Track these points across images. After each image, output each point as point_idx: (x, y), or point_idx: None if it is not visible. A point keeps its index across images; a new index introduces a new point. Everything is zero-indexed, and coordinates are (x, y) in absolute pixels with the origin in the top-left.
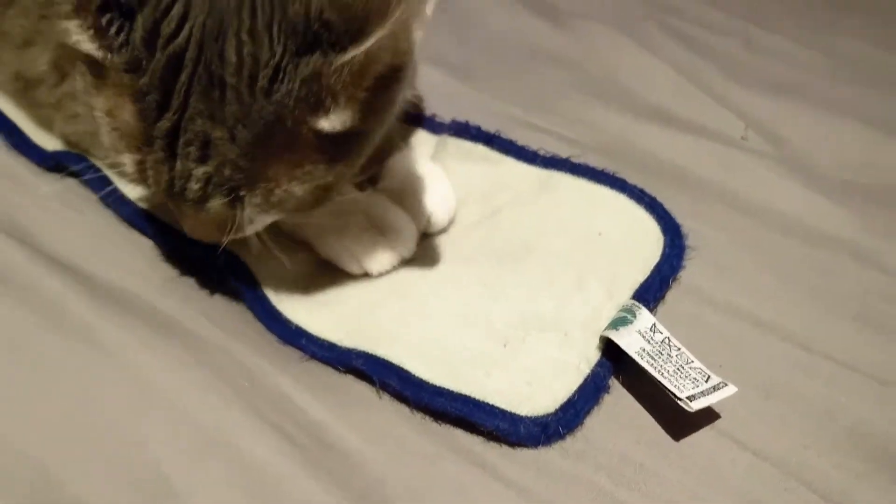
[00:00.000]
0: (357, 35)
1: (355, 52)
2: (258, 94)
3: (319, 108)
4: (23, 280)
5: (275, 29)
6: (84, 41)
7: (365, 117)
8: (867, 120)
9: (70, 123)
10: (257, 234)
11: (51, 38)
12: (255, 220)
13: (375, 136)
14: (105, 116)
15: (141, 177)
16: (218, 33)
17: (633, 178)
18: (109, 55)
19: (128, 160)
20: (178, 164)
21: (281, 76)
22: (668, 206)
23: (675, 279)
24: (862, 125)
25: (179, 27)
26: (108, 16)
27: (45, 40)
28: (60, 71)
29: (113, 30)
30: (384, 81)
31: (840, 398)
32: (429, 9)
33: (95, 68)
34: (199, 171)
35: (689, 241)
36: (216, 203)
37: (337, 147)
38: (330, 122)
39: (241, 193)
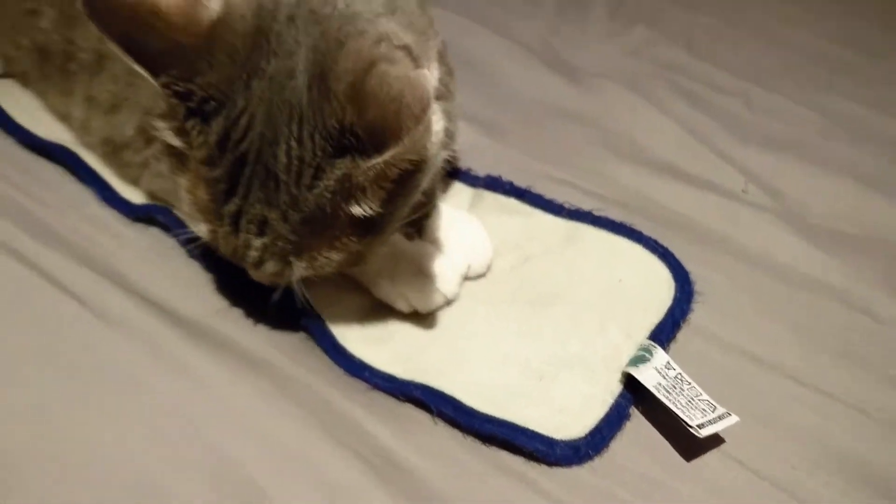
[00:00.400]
0: (378, 147)
1: (377, 160)
2: (303, 187)
3: (351, 198)
4: (123, 318)
5: (316, 138)
6: (171, 138)
7: (389, 203)
8: (857, 175)
9: (156, 181)
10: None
11: (137, 104)
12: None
13: (401, 214)
14: (187, 193)
15: (213, 242)
16: (273, 139)
17: (646, 229)
18: (190, 150)
19: (203, 229)
20: (241, 237)
21: (320, 174)
22: (677, 254)
23: (685, 321)
24: (852, 180)
25: (245, 134)
26: (191, 122)
27: (132, 106)
28: (146, 135)
29: (194, 133)
30: (405, 175)
31: (828, 426)
32: (433, 77)
33: (179, 156)
34: (258, 242)
35: (697, 287)
36: (270, 266)
37: (367, 225)
38: (360, 209)
39: (290, 259)
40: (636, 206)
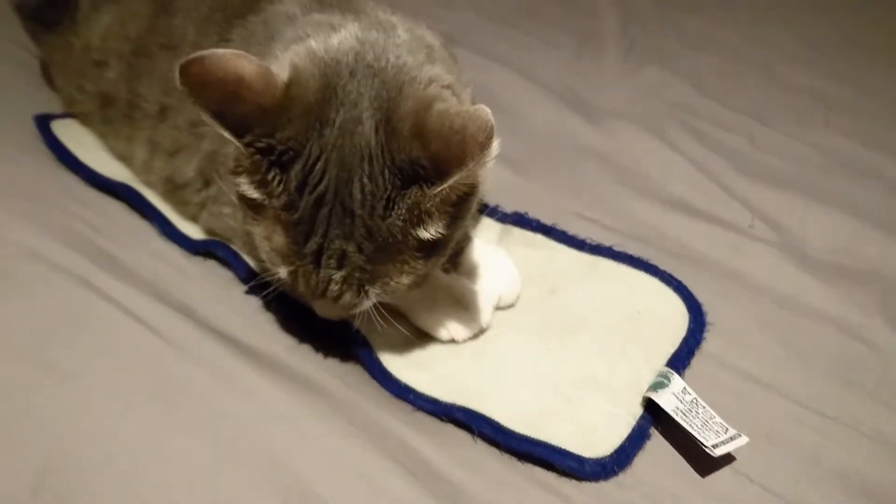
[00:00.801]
0: (443, 176)
1: (441, 186)
2: (377, 218)
3: (419, 224)
4: (193, 346)
5: (385, 173)
6: (251, 191)
7: (451, 225)
8: (852, 210)
9: (215, 220)
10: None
11: (198, 149)
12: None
13: (458, 235)
14: (264, 240)
15: (293, 283)
16: (347, 179)
17: (661, 262)
18: (269, 199)
19: (283, 271)
20: (322, 272)
21: (392, 205)
22: (690, 286)
23: (698, 349)
24: (848, 215)
25: (321, 178)
26: (272, 172)
27: (192, 150)
28: (205, 176)
29: (275, 182)
30: (463, 199)
31: (827, 445)
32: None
33: (254, 207)
34: (338, 275)
35: (708, 317)
36: (347, 297)
37: (432, 247)
38: (427, 233)
39: (366, 288)
40: (652, 241)
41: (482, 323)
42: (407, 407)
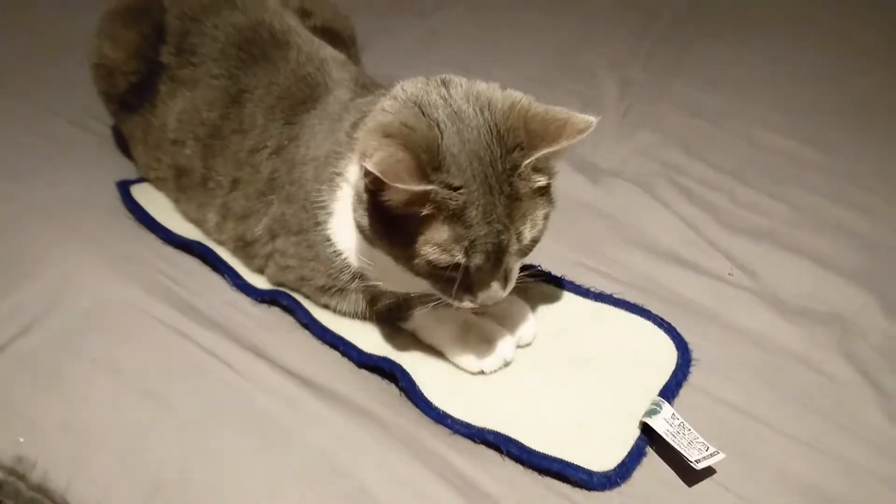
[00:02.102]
0: (548, 144)
1: (546, 150)
2: (511, 184)
3: (534, 174)
4: (267, 381)
5: (505, 150)
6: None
7: (550, 177)
8: (818, 259)
9: (281, 273)
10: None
11: (266, 212)
12: (511, 277)
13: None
14: (431, 246)
15: (475, 270)
16: (485, 162)
17: (653, 306)
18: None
19: (475, 258)
20: (502, 239)
21: (516, 174)
22: (678, 327)
23: (686, 382)
24: (813, 263)
25: (469, 172)
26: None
27: (261, 214)
28: (272, 234)
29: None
30: (554, 160)
31: (792, 461)
32: None
33: (411, 226)
34: (508, 237)
35: (694, 354)
36: (511, 261)
37: (543, 194)
38: (541, 180)
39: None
40: (646, 288)
41: (506, 358)
42: (446, 430)
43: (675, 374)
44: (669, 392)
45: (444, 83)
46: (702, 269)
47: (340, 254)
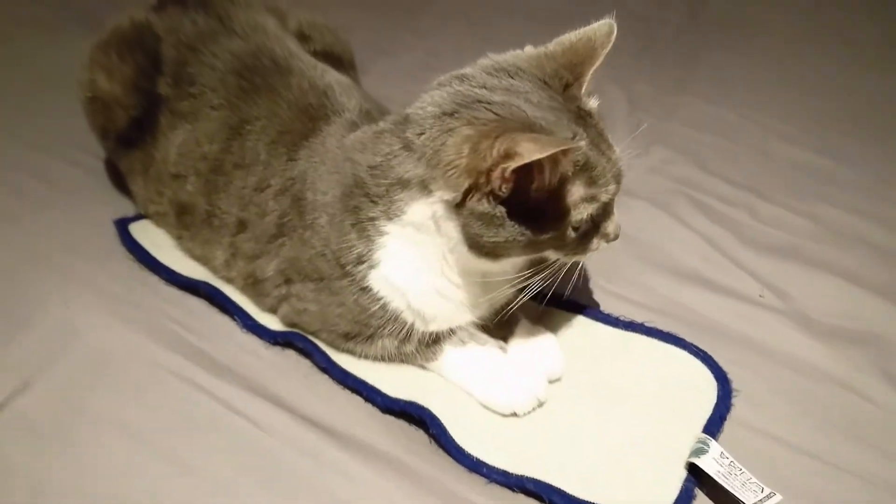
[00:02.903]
0: (590, 64)
1: (590, 70)
2: (584, 116)
3: (588, 101)
4: (287, 433)
5: (561, 92)
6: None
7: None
8: (847, 276)
9: (298, 316)
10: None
11: (277, 254)
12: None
13: None
14: (583, 202)
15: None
16: (557, 113)
17: (684, 333)
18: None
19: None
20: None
21: (577, 101)
22: (712, 355)
23: (728, 415)
24: (842, 280)
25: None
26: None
27: (272, 255)
28: (285, 276)
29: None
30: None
31: (843, 494)
32: None
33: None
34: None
35: (733, 384)
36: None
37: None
38: (593, 101)
39: None
40: (673, 313)
41: (540, 397)
42: (481, 479)
43: (717, 407)
44: (714, 428)
45: (460, 79)
46: (730, 290)
47: (382, 300)
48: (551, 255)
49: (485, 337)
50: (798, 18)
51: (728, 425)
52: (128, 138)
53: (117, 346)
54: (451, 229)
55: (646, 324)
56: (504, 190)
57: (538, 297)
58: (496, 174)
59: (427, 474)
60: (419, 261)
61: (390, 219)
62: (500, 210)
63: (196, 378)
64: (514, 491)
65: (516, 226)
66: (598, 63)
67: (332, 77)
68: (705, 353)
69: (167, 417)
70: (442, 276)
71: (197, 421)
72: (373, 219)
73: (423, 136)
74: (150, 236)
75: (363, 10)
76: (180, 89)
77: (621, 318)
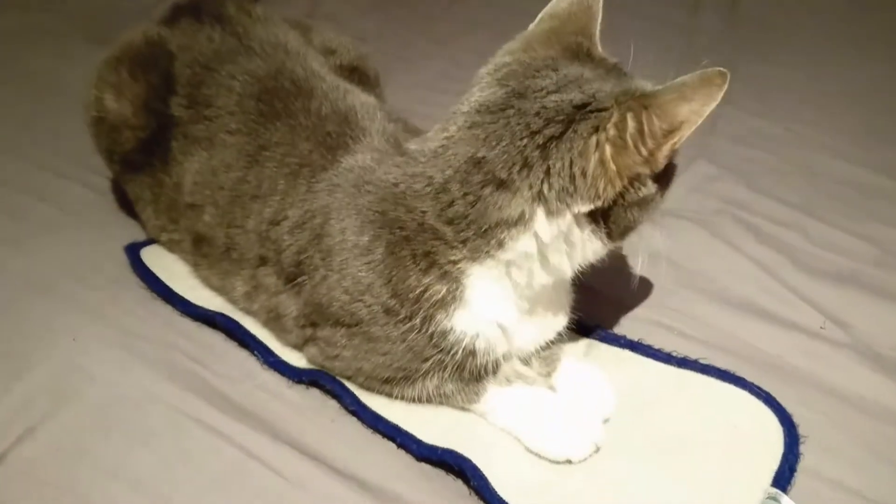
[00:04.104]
0: None
1: None
2: None
3: None
4: (313, 485)
5: None
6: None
7: None
8: None
9: (329, 362)
10: None
11: (299, 293)
12: None
13: None
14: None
15: None
16: None
17: (741, 369)
18: None
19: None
20: None
21: None
22: (774, 394)
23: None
24: None
25: None
26: None
27: (292, 293)
28: (309, 320)
29: None
30: None
31: None
32: None
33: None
34: None
35: (800, 429)
36: None
37: None
38: None
39: None
40: (730, 349)
41: (598, 441)
42: None
43: (786, 456)
44: (783, 480)
45: (518, 95)
46: (788, 322)
47: (461, 339)
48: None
49: (531, 374)
50: (838, 24)
51: (798, 476)
52: (135, 162)
53: (129, 387)
54: (583, 234)
55: (700, 360)
56: (664, 164)
57: (582, 330)
58: (663, 154)
59: None
60: (504, 292)
61: (476, 260)
62: (654, 186)
63: (214, 422)
64: None
65: (660, 192)
66: (601, 16)
67: (355, 98)
68: (767, 393)
69: (182, 469)
70: (521, 301)
71: (215, 472)
72: (454, 262)
73: (529, 171)
74: (163, 263)
75: (381, 18)
76: (195, 112)
77: (674, 354)
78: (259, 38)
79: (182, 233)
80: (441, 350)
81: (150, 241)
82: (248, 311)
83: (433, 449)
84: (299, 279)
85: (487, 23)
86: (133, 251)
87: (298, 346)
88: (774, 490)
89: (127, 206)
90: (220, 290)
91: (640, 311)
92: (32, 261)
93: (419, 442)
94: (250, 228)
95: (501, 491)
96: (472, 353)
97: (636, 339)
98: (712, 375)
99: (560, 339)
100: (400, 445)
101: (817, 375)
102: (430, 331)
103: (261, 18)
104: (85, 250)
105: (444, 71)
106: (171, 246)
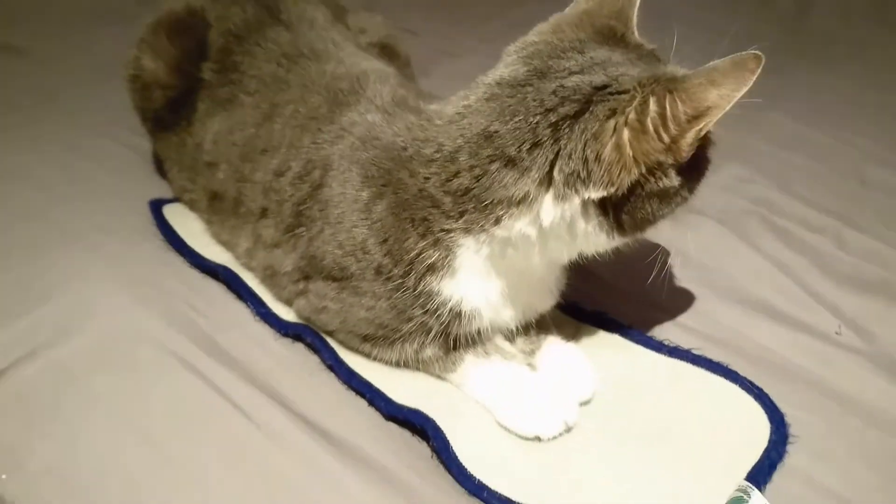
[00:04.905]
0: None
1: None
2: None
3: None
4: (281, 433)
5: None
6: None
7: None
8: None
9: (315, 314)
10: None
11: (293, 248)
12: None
13: None
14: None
15: None
16: None
17: (741, 367)
18: None
19: None
20: None
21: None
22: (772, 394)
23: (781, 463)
24: None
25: None
26: None
27: (288, 249)
28: (303, 273)
29: None
30: None
31: None
32: None
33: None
34: None
35: (792, 429)
36: None
37: None
38: None
39: None
40: (732, 345)
41: (569, 421)
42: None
43: (767, 452)
44: (760, 476)
45: (539, 75)
46: (802, 324)
47: (447, 303)
48: (679, 208)
49: (512, 350)
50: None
51: (781, 476)
52: (164, 121)
53: (128, 327)
54: (588, 225)
55: (693, 351)
56: (689, 155)
57: (575, 313)
58: (686, 142)
59: (421, 493)
60: (495, 267)
61: (470, 233)
62: (679, 179)
63: (198, 364)
64: None
65: (686, 187)
66: (639, 1)
67: (371, 65)
68: (760, 389)
69: (159, 402)
70: (511, 278)
71: (189, 408)
72: (447, 231)
73: (539, 150)
74: (183, 220)
75: (436, 16)
76: (223, 76)
77: (665, 343)
78: (288, 11)
79: (199, 192)
80: (426, 312)
81: (175, 200)
82: (249, 268)
83: (400, 408)
84: (297, 230)
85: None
86: (156, 206)
87: (290, 301)
88: (746, 484)
89: (162, 167)
90: (228, 246)
91: (642, 302)
92: (69, 210)
93: (388, 400)
94: (257, 180)
95: (462, 456)
96: (456, 316)
97: (628, 325)
98: (703, 367)
99: (547, 318)
100: (370, 403)
101: (824, 379)
102: (417, 291)
103: None
104: (116, 204)
105: (487, 65)
106: (192, 206)
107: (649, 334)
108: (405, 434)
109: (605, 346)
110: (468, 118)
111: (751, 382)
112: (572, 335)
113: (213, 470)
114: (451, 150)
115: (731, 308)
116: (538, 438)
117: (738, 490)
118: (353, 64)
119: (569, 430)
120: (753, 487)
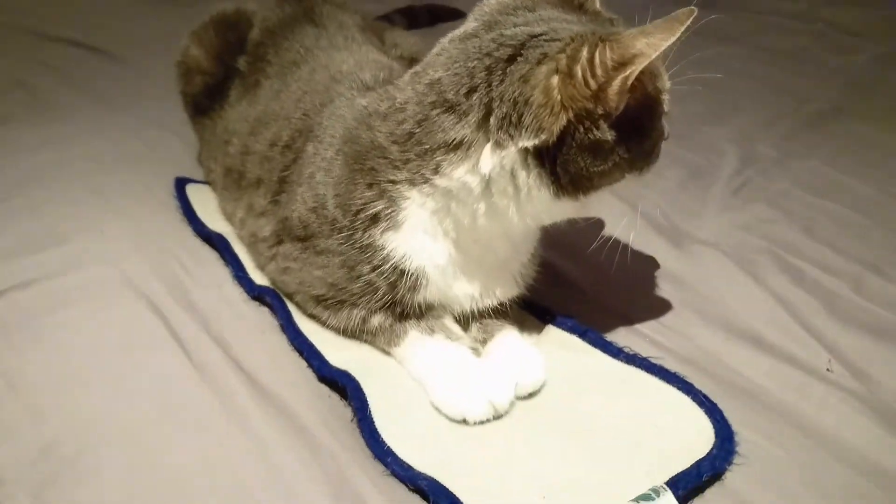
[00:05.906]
0: None
1: None
2: None
3: None
4: (215, 374)
5: None
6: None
7: None
8: None
9: (279, 274)
10: None
11: (275, 214)
12: None
13: None
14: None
15: None
16: None
17: (704, 385)
18: None
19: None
20: None
21: None
22: (733, 415)
23: (718, 479)
24: None
25: None
26: None
27: (271, 215)
28: (277, 238)
29: None
30: None
31: None
32: None
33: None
34: None
35: (742, 449)
36: None
37: None
38: None
39: None
40: (702, 365)
41: (499, 407)
42: (382, 469)
43: (699, 462)
44: (682, 483)
45: (487, 27)
46: (788, 356)
47: (390, 260)
48: (632, 175)
49: (459, 333)
50: None
51: (717, 494)
52: (201, 105)
53: (116, 273)
54: (529, 177)
55: (651, 359)
56: (619, 107)
57: (539, 313)
58: (613, 90)
59: (328, 448)
60: (441, 224)
61: (415, 185)
62: (612, 134)
63: (163, 308)
64: (408, 488)
65: (623, 146)
66: None
67: (381, 59)
68: (714, 404)
69: (113, 333)
70: (461, 242)
71: (137, 341)
72: (394, 182)
73: (475, 94)
74: (202, 198)
75: None
76: (253, 66)
77: (625, 350)
78: (321, 13)
79: (218, 171)
80: (373, 268)
81: (204, 182)
82: (240, 238)
83: (330, 368)
84: (279, 197)
85: None
86: (180, 183)
87: (264, 267)
88: (663, 486)
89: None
90: (228, 217)
91: (617, 313)
92: (109, 180)
93: (323, 360)
94: (256, 151)
95: (379, 421)
96: (401, 275)
97: (586, 328)
98: (658, 376)
99: (509, 312)
100: (308, 363)
101: (801, 412)
102: (362, 244)
103: (335, 2)
104: (149, 178)
105: None
106: (213, 186)
107: (608, 340)
108: (334, 397)
109: (562, 347)
110: (420, 75)
111: (705, 396)
112: (530, 332)
113: (137, 397)
114: (402, 102)
115: (714, 333)
116: (465, 421)
117: (650, 489)
118: (361, 54)
119: (499, 416)
120: (667, 489)
